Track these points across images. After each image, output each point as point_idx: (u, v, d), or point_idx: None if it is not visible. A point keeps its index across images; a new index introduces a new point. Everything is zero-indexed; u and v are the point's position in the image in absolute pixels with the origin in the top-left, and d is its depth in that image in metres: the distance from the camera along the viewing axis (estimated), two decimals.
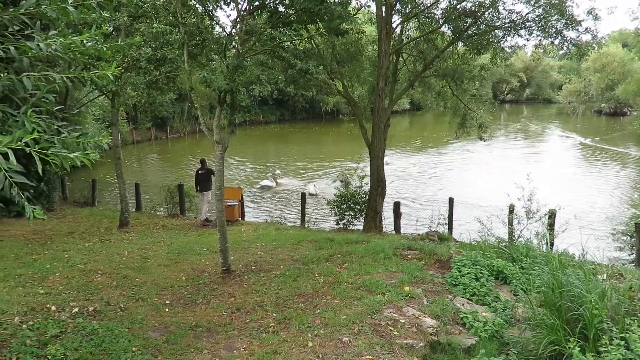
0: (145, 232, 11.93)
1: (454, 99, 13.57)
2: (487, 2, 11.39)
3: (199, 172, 13.21)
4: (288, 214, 16.68)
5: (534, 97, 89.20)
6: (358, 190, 13.33)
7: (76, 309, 6.00)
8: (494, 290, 6.31)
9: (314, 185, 20.08)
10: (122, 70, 10.11)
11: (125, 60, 10.05)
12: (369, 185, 12.70)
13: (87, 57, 3.07)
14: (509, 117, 62.57)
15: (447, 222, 12.18)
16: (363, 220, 12.87)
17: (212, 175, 12.91)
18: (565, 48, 11.21)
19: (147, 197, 17.94)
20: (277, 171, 23.46)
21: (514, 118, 61.28)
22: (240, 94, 7.35)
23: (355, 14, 9.96)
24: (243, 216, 14.47)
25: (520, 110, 75.45)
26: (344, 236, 10.37)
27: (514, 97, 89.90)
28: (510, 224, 9.32)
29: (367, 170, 13.18)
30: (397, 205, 12.83)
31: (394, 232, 12.59)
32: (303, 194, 14.04)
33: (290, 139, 44.65)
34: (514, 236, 8.56)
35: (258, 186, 21.51)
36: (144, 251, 9.61)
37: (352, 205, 13.11)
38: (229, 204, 12.98)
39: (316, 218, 15.32)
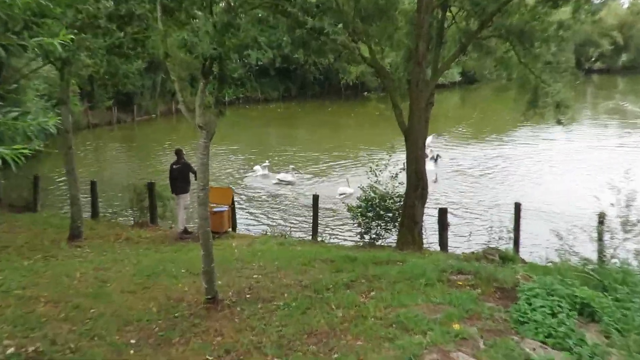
0: (104, 247, 12.04)
1: (521, 68, 13.38)
2: None
3: (174, 166, 13.32)
4: (295, 223, 16.81)
5: (633, 64, 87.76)
6: (390, 192, 13.34)
7: (11, 349, 6.03)
8: (578, 331, 6.19)
9: (347, 180, 20.43)
10: (75, 32, 10.17)
11: (80, 17, 10.12)
12: (405, 185, 12.67)
13: (28, 13, 3.06)
14: (598, 93, 61.87)
15: (511, 236, 12.15)
16: (397, 233, 12.92)
17: (191, 172, 13.01)
18: None
19: (106, 199, 18.11)
20: (267, 162, 24.41)
21: (604, 94, 60.58)
22: (232, 61, 7.37)
23: None
24: (234, 226, 14.59)
25: (614, 82, 74.49)
26: (370, 254, 10.40)
27: (605, 65, 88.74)
28: (600, 239, 9.18)
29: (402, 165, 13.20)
30: (443, 213, 12.79)
31: (438, 249, 12.59)
32: (315, 197, 14.10)
33: (297, 122, 44.63)
34: (605, 256, 8.42)
35: (274, 181, 22.44)
36: (102, 272, 9.71)
37: (381, 212, 13.12)
38: (215, 209, 13.11)
39: (333, 229, 15.39)
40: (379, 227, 13.31)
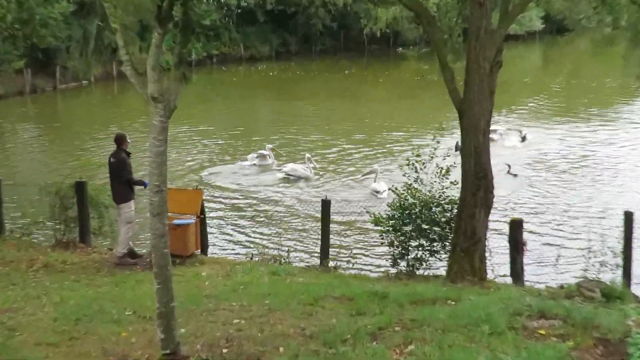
0: (12, 278, 12.01)
1: (633, 11, 13.31)
2: None
3: (111, 160, 13.42)
4: (296, 242, 16.71)
5: None
6: (437, 196, 13.32)
7: None
8: None
9: (375, 172, 20.95)
10: None
11: None
12: (460, 186, 12.58)
13: None
14: None
15: (619, 262, 12.05)
16: (447, 258, 12.86)
17: (127, 172, 13.15)
18: None
19: (15, 206, 18.12)
20: (268, 147, 25.20)
21: None
22: (201, 2, 7.35)
23: None
24: (205, 247, 14.61)
25: None
26: (408, 289, 10.42)
27: None
28: None
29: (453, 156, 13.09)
30: (516, 227, 12.71)
31: (510, 281, 12.52)
32: (325, 203, 14.07)
33: (299, 91, 44.12)
34: None
35: (280, 175, 23.30)
36: (10, 315, 9.67)
37: (424, 226, 13.02)
38: (177, 222, 13.12)
39: (352, 251, 15.40)
40: (420, 249, 13.22)
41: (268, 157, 24.72)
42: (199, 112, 34.28)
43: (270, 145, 25.45)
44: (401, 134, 28.83)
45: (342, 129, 30.99)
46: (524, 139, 26.60)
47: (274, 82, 48.72)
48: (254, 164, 24.64)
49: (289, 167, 23.33)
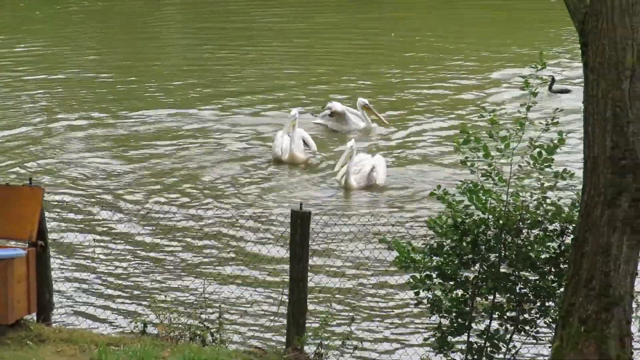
0: None
1: None
2: None
3: None
4: (233, 301, 15.64)
5: None
6: (532, 207, 11.79)
7: None
8: None
9: (351, 153, 22.16)
10: None
11: None
12: (580, 188, 11.28)
13: None
14: None
15: None
16: (552, 335, 11.66)
17: None
18: None
19: None
20: (361, 101, 27.17)
21: None
22: None
23: None
24: (45, 308, 13.49)
25: None
26: None
27: None
28: None
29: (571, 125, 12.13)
30: None
31: None
32: (299, 218, 12.84)
33: None
34: None
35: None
36: None
37: (505, 270, 11.83)
38: None
39: (351, 319, 14.03)
40: (497, 317, 11.94)
41: (350, 118, 26.24)
42: (33, 21, 33.09)
43: (364, 101, 26.63)
44: (452, 70, 28.46)
45: (338, 57, 31.67)
46: None
47: None
48: (325, 125, 26.87)
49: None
